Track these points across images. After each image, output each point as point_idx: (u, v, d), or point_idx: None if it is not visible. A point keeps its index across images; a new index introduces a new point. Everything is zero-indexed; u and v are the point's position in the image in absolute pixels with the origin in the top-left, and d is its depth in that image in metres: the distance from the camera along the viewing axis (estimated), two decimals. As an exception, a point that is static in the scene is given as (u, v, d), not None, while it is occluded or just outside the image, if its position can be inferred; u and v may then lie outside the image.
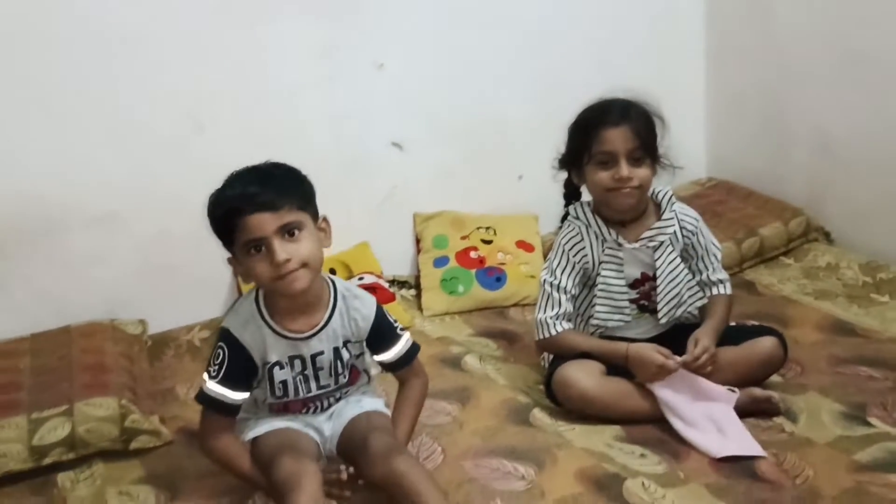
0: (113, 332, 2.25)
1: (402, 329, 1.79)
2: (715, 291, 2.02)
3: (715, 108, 3.08)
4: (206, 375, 1.67)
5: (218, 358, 1.66)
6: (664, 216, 1.97)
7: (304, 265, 1.61)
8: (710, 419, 1.81)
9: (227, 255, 1.66)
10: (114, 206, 2.37)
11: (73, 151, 2.30)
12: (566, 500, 1.60)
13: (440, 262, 2.63)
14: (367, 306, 1.75)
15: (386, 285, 2.53)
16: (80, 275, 2.36)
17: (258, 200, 1.57)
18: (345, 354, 1.73)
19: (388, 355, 1.76)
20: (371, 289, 2.46)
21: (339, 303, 1.72)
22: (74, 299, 2.34)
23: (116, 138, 2.33)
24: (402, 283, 2.68)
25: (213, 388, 1.65)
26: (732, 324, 2.05)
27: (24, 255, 2.30)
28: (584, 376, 1.87)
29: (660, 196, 1.99)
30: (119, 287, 2.40)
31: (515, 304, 2.55)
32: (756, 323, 2.13)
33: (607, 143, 1.88)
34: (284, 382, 1.71)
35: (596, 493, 1.62)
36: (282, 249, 1.58)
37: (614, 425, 1.85)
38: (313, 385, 1.73)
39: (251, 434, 1.73)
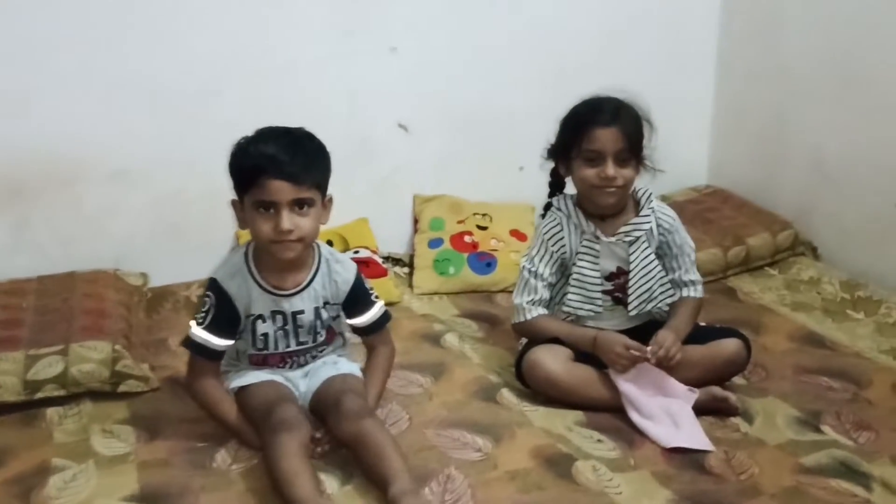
0: (115, 282, 2.36)
1: (376, 297, 1.89)
2: (685, 293, 2.09)
3: (720, 119, 3.14)
4: (193, 322, 1.79)
5: (205, 306, 1.77)
6: (641, 213, 2.04)
7: (301, 240, 1.71)
8: (667, 412, 1.89)
9: (233, 196, 1.75)
10: (131, 163, 2.49)
11: (97, 108, 2.42)
12: (516, 473, 1.69)
13: (435, 243, 2.72)
14: (347, 270, 1.85)
15: (379, 261, 2.63)
16: (93, 225, 2.49)
17: (285, 169, 1.66)
18: (324, 314, 1.84)
19: (362, 319, 1.87)
20: (364, 263, 2.57)
21: (323, 265, 1.83)
22: (84, 247, 2.47)
23: (138, 98, 2.45)
24: (396, 261, 2.77)
25: (199, 333, 1.77)
26: (702, 324, 2.13)
27: (44, 200, 2.43)
28: (551, 360, 1.95)
29: (639, 193, 2.07)
30: (127, 240, 2.53)
31: (503, 290, 2.63)
32: (723, 325, 2.20)
33: (597, 141, 1.95)
34: (266, 335, 1.81)
35: (546, 469, 1.71)
36: (288, 220, 1.68)
37: (577, 410, 1.93)
38: (292, 341, 1.83)
39: (237, 383, 1.84)
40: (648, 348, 1.92)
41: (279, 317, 1.82)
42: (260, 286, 1.79)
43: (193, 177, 2.53)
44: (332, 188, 2.69)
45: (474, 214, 2.80)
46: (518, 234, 2.77)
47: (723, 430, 1.89)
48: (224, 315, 1.77)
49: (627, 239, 2.03)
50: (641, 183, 2.08)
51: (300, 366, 1.89)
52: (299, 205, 1.70)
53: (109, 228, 2.50)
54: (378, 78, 2.68)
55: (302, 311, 1.82)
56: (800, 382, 2.07)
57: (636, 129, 1.98)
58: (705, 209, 2.90)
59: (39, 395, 1.94)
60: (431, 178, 2.84)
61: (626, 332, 2.05)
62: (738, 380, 2.07)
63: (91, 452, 1.78)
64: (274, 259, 1.76)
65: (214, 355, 1.79)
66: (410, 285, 2.66)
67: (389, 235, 2.79)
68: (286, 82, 2.58)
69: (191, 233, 2.57)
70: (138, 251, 2.52)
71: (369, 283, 1.93)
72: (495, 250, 2.70)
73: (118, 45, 2.39)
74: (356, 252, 2.61)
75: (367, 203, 2.75)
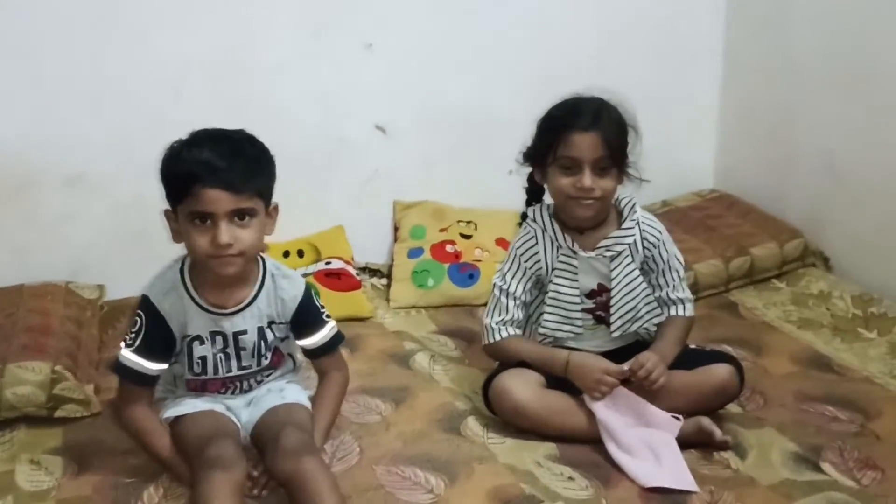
0: (66, 295, 2.22)
1: (328, 316, 1.74)
2: (673, 312, 1.90)
3: (727, 119, 2.93)
4: (122, 343, 1.64)
5: (135, 326, 1.63)
6: (624, 225, 1.85)
7: (241, 254, 1.56)
8: (648, 446, 1.70)
9: (165, 206, 1.60)
10: (87, 168, 2.35)
11: (52, 110, 2.28)
12: (468, 519, 1.51)
13: (414, 253, 2.55)
14: (295, 287, 1.69)
15: (353, 272, 2.46)
16: (48, 233, 2.35)
17: (222, 176, 1.51)
18: (269, 335, 1.68)
19: (311, 341, 1.71)
20: (336, 275, 2.42)
21: (267, 281, 1.67)
22: (38, 258, 2.33)
23: (96, 101, 2.31)
24: (374, 272, 2.61)
25: (129, 357, 1.62)
26: (693, 346, 1.94)
27: (-6, 207, 2.30)
28: (520, 387, 1.77)
29: (622, 203, 1.88)
30: (84, 249, 2.38)
31: (485, 304, 2.44)
32: (714, 348, 2.01)
33: (573, 148, 1.77)
34: (204, 359, 1.66)
35: (503, 514, 1.53)
36: (227, 232, 1.53)
37: (549, 442, 1.76)
38: (234, 364, 1.68)
39: (172, 412, 1.68)
40: (626, 366, 1.74)
41: (219, 338, 1.66)
42: (197, 304, 1.63)
43: (154, 182, 2.36)
44: (307, 194, 2.57)
45: (458, 222, 2.62)
46: (504, 244, 2.58)
47: (711, 466, 1.71)
48: (156, 336, 1.62)
49: (609, 254, 1.85)
50: (626, 192, 1.90)
51: (244, 391, 1.73)
52: (239, 216, 1.54)
53: (65, 237, 2.35)
54: (353, 76, 2.51)
55: (244, 332, 1.66)
56: (801, 412, 1.88)
57: (618, 134, 1.80)
58: (708, 216, 2.69)
59: (-29, 420, 1.81)
60: (413, 183, 2.67)
61: (609, 353, 1.87)
62: (733, 408, 1.88)
63: (13, 487, 1.63)
64: (211, 274, 1.61)
65: (146, 380, 1.64)
66: (388, 298, 2.49)
67: (368, 244, 2.63)
68: (254, 85, 2.42)
69: (152, 241, 2.36)
70: (96, 261, 2.38)
71: (320, 301, 1.76)
72: (479, 261, 2.53)
73: (72, 43, 2.25)
74: (328, 263, 2.45)
75: (343, 210, 2.60)
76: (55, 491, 1.62)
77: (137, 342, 1.61)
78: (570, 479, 1.65)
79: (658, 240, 1.89)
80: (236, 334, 1.66)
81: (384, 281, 2.58)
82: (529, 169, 1.94)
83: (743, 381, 1.84)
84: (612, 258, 1.85)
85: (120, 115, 2.33)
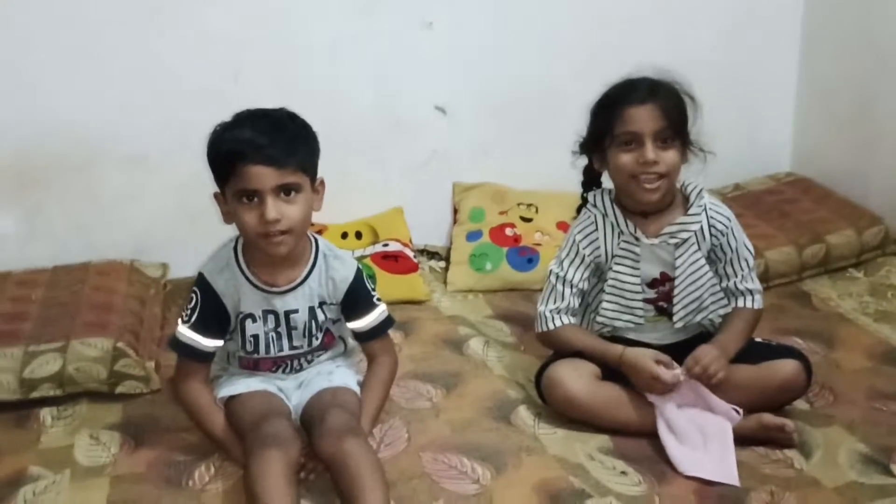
0: (130, 273, 2.26)
1: (378, 300, 1.73)
2: (741, 303, 1.82)
3: (805, 99, 2.80)
4: (179, 320, 1.66)
5: (191, 302, 1.65)
6: (690, 211, 1.77)
7: (290, 230, 1.56)
8: (700, 431, 1.64)
9: (215, 189, 1.62)
10: (148, 148, 2.39)
11: (112, 91, 2.32)
12: (514, 512, 1.48)
13: (473, 236, 2.51)
14: (346, 268, 1.69)
15: (410, 255, 2.44)
16: (112, 212, 2.40)
17: (265, 153, 1.52)
18: (320, 315, 1.69)
19: (360, 323, 1.71)
20: (394, 257, 2.40)
21: (319, 261, 1.68)
22: (103, 235, 2.39)
23: (155, 81, 2.34)
24: (432, 254, 2.58)
25: (185, 332, 1.65)
26: (759, 339, 1.85)
27: (59, 186, 2.35)
28: (573, 378, 1.72)
29: (688, 189, 1.80)
30: (148, 228, 2.43)
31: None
32: (782, 342, 1.91)
33: (632, 122, 1.70)
34: (256, 337, 1.67)
35: (549, 509, 1.49)
36: (274, 208, 1.53)
37: (604, 434, 1.71)
38: (285, 344, 1.69)
39: (226, 392, 1.70)
40: (680, 368, 1.68)
41: (271, 317, 1.67)
42: (249, 282, 1.65)
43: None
44: (365, 175, 2.55)
45: (518, 205, 2.57)
46: (566, 227, 2.49)
47: (773, 465, 1.63)
48: (211, 313, 1.64)
49: (673, 241, 1.77)
50: (695, 176, 1.82)
51: (294, 371, 1.74)
52: (285, 191, 1.55)
53: (128, 216, 2.40)
54: (412, 55, 2.48)
55: (295, 311, 1.67)
56: (873, 410, 1.78)
57: (677, 106, 1.72)
58: (782, 200, 2.58)
59: (35, 394, 1.86)
60: (473, 165, 2.63)
61: (671, 346, 1.80)
62: (800, 404, 1.79)
63: (70, 461, 1.67)
64: (264, 253, 1.61)
65: (202, 356, 1.66)
66: (445, 281, 2.46)
67: (427, 226, 2.60)
68: (310, 64, 2.42)
69: (213, 220, 2.42)
70: (159, 240, 2.42)
71: (373, 284, 1.75)
72: (539, 244, 2.47)
73: (132, 23, 2.28)
74: (385, 245, 2.43)
75: (402, 191, 2.58)
76: (110, 467, 1.65)
77: (193, 318, 1.64)
78: (623, 473, 1.60)
79: (727, 227, 1.80)
80: (287, 313, 1.67)
81: (442, 264, 2.56)
82: (586, 161, 1.87)
83: (810, 379, 1.75)
84: (677, 245, 1.77)
85: (179, 96, 2.35)
